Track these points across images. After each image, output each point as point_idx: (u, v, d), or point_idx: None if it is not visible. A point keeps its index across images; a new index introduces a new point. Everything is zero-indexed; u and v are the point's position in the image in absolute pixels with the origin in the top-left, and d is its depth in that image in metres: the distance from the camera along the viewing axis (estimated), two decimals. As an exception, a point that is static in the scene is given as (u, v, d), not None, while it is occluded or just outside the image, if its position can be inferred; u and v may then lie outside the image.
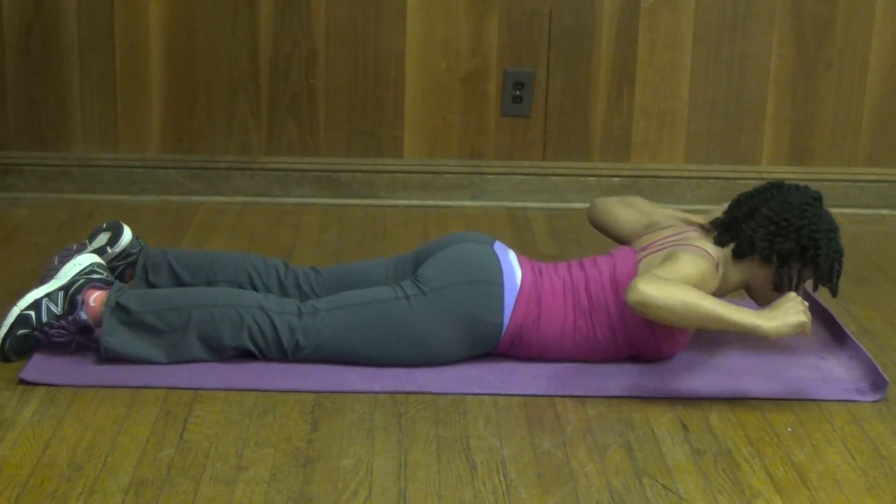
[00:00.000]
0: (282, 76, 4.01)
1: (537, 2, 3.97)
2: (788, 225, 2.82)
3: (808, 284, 3.10)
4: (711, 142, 4.09)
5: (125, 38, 3.96)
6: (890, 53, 4.03)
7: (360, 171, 4.08)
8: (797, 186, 2.88)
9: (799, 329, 2.62)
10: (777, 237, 2.82)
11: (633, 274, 2.80)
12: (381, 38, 3.99)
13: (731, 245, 2.87)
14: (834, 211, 2.93)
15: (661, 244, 2.86)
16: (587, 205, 4.06)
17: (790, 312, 2.62)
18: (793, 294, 2.68)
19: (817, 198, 2.86)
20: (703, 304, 2.58)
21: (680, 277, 2.66)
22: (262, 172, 4.07)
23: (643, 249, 2.87)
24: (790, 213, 2.83)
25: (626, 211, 3.09)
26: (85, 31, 3.95)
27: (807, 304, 2.66)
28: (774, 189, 2.88)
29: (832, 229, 2.84)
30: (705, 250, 2.80)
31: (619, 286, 2.80)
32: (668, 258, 2.75)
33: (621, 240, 3.06)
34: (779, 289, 2.85)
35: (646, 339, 2.81)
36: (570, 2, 3.97)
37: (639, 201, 3.14)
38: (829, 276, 2.83)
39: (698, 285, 2.68)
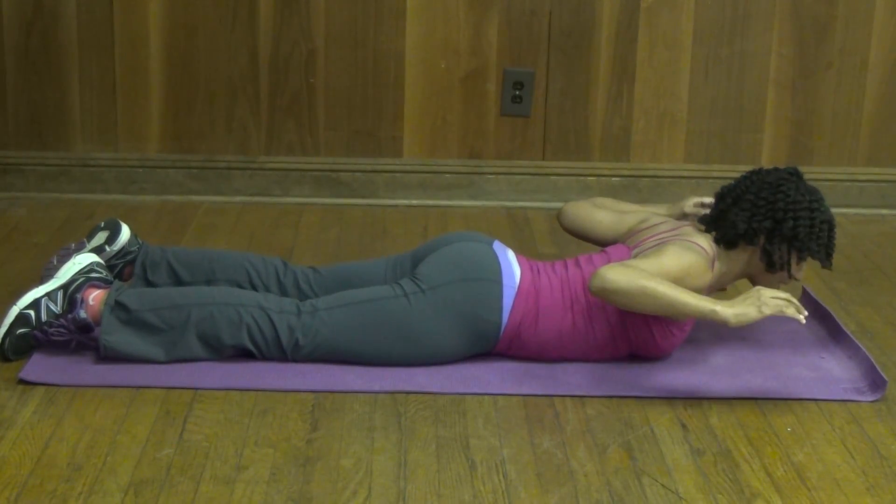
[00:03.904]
0: (281, 76, 4.00)
1: (537, 2, 3.97)
2: (766, 203, 2.82)
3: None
4: (711, 142, 4.09)
5: (125, 38, 3.96)
6: (890, 53, 4.03)
7: (359, 171, 4.08)
8: (775, 168, 2.89)
9: (755, 319, 2.58)
10: (755, 217, 2.83)
11: None
12: (380, 38, 3.99)
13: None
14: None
15: (657, 238, 2.86)
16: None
17: (749, 303, 2.61)
18: (762, 288, 2.64)
19: (794, 173, 2.87)
20: (659, 289, 2.60)
21: (658, 267, 2.68)
22: (262, 172, 4.07)
23: (637, 246, 2.88)
24: (766, 191, 2.83)
25: (602, 213, 3.09)
26: (85, 31, 3.95)
27: (781, 295, 2.62)
28: (753, 174, 2.89)
29: (813, 200, 2.83)
30: (699, 245, 2.80)
31: None
32: (654, 251, 2.76)
33: (601, 242, 3.06)
34: (773, 270, 2.85)
35: (643, 337, 2.81)
36: (570, 2, 3.97)
37: (609, 202, 3.16)
38: (813, 246, 2.82)
39: (680, 278, 2.70)
